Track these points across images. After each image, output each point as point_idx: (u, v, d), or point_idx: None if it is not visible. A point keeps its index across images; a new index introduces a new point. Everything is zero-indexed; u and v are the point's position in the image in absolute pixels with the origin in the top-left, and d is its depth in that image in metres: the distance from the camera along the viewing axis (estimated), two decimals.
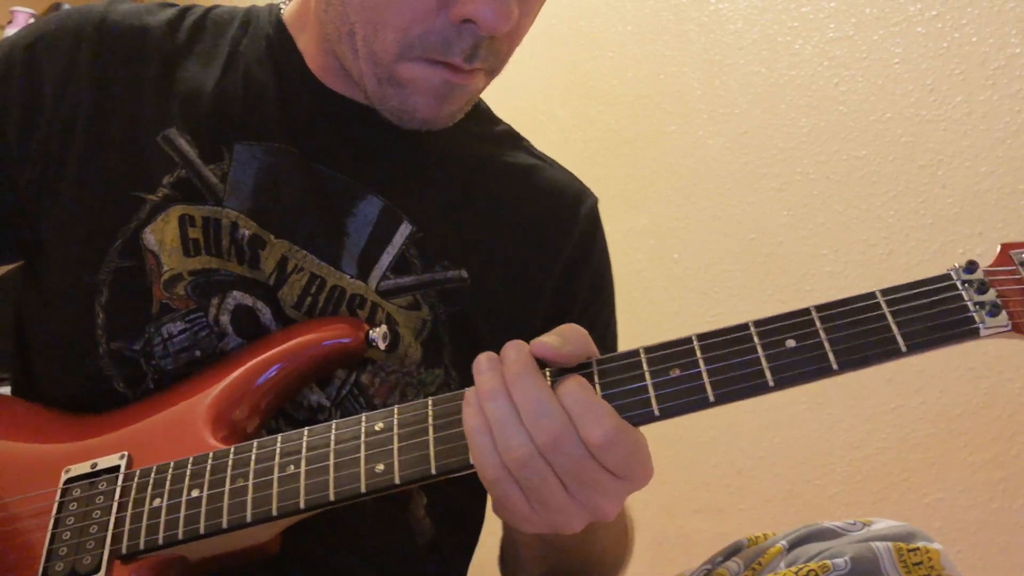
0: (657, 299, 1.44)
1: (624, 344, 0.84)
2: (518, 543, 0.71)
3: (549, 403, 0.52)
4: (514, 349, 0.56)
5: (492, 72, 0.69)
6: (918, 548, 0.57)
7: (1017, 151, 1.15)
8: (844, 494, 1.26)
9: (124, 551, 0.59)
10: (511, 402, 0.53)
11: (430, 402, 0.58)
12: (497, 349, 0.73)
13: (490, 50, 0.65)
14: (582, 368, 0.56)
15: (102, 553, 0.59)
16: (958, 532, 1.16)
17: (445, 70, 0.65)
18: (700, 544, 1.31)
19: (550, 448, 0.52)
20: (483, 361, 0.56)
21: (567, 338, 0.56)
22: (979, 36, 1.18)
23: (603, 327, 0.83)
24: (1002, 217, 1.16)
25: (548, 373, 0.56)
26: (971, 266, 0.53)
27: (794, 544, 0.63)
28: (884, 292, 0.54)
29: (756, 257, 1.35)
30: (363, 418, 0.59)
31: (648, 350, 0.56)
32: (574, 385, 0.53)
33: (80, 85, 0.71)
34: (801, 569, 0.58)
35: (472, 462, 0.54)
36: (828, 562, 0.57)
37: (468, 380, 0.72)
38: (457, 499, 0.76)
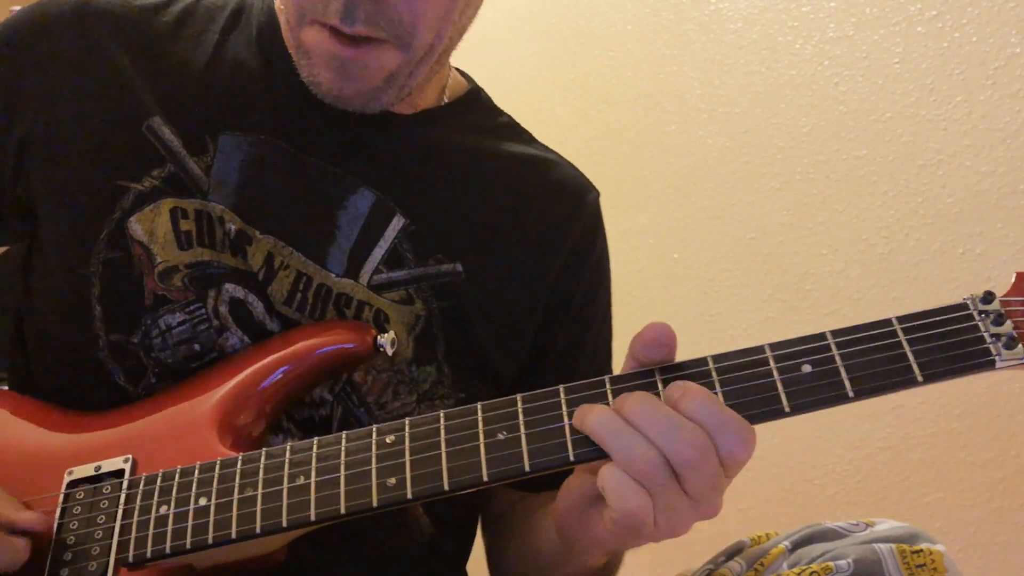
0: (657, 299, 1.43)
1: (622, 347, 0.84)
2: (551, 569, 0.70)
3: (681, 418, 0.51)
4: (621, 396, 0.54)
5: (404, 47, 0.64)
6: (921, 550, 0.58)
7: (1017, 151, 1.15)
8: (844, 494, 1.26)
9: (131, 559, 0.58)
10: (627, 423, 0.52)
11: (442, 416, 0.57)
12: (492, 345, 0.74)
13: (377, 13, 0.61)
14: (598, 386, 0.56)
15: (108, 561, 0.58)
16: (958, 532, 1.16)
17: (334, 39, 0.63)
18: (700, 543, 1.31)
19: (692, 463, 0.50)
20: (584, 407, 0.54)
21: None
22: (979, 36, 1.18)
23: (598, 327, 0.82)
24: (1002, 217, 1.16)
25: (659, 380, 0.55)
26: (988, 296, 0.54)
27: (797, 545, 0.63)
28: (900, 319, 0.54)
29: (756, 257, 1.35)
30: (374, 430, 0.58)
31: (663, 371, 0.55)
32: (704, 398, 0.52)
33: (60, 76, 0.70)
34: (804, 570, 0.58)
35: (616, 509, 0.52)
36: (831, 564, 0.57)
37: (461, 377, 0.72)
38: (452, 498, 0.76)
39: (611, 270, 0.85)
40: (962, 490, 1.17)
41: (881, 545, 0.58)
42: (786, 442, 1.30)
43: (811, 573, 0.58)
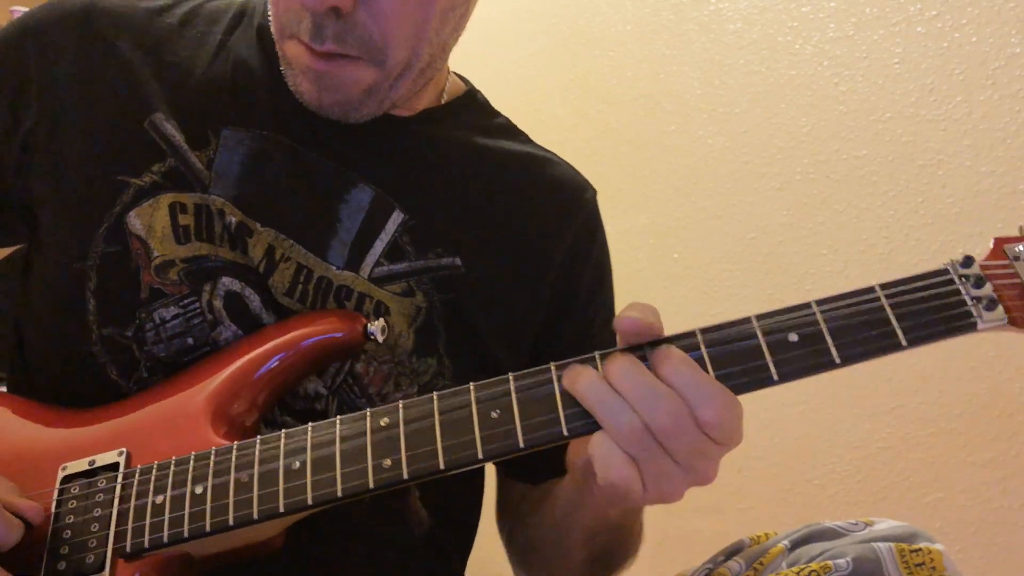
0: (657, 299, 1.42)
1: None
2: (572, 529, 0.71)
3: (659, 386, 0.52)
4: (607, 353, 0.56)
5: (379, 64, 0.65)
6: (920, 549, 0.57)
7: (1017, 151, 1.15)
8: (844, 494, 1.26)
9: (128, 549, 0.58)
10: (613, 389, 0.53)
11: (435, 397, 0.58)
12: (493, 338, 0.74)
13: (346, 31, 0.63)
14: (588, 363, 0.56)
15: (105, 551, 0.59)
16: (958, 532, 1.16)
17: (308, 53, 0.65)
18: (700, 543, 1.31)
19: (668, 432, 0.52)
20: (575, 367, 0.56)
21: (644, 309, 0.56)
22: (979, 36, 1.18)
23: (603, 322, 0.82)
24: (1002, 217, 1.16)
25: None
26: (968, 261, 0.55)
27: (796, 544, 0.63)
28: (883, 286, 0.55)
29: (756, 257, 1.35)
30: (368, 414, 0.58)
31: (652, 345, 0.56)
32: (680, 363, 0.53)
33: (65, 73, 0.71)
34: (803, 569, 0.58)
35: (599, 473, 0.53)
36: (830, 562, 0.57)
37: (462, 369, 0.73)
38: (450, 490, 0.76)
39: (612, 269, 0.85)
40: (962, 490, 1.17)
41: (880, 544, 0.58)
42: (786, 442, 1.29)
43: (810, 572, 0.57)
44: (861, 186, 1.27)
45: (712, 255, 1.40)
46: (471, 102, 0.82)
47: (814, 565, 0.58)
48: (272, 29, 0.69)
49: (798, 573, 0.58)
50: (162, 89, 0.71)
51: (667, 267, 1.44)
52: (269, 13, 0.75)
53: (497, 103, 0.85)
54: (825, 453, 1.27)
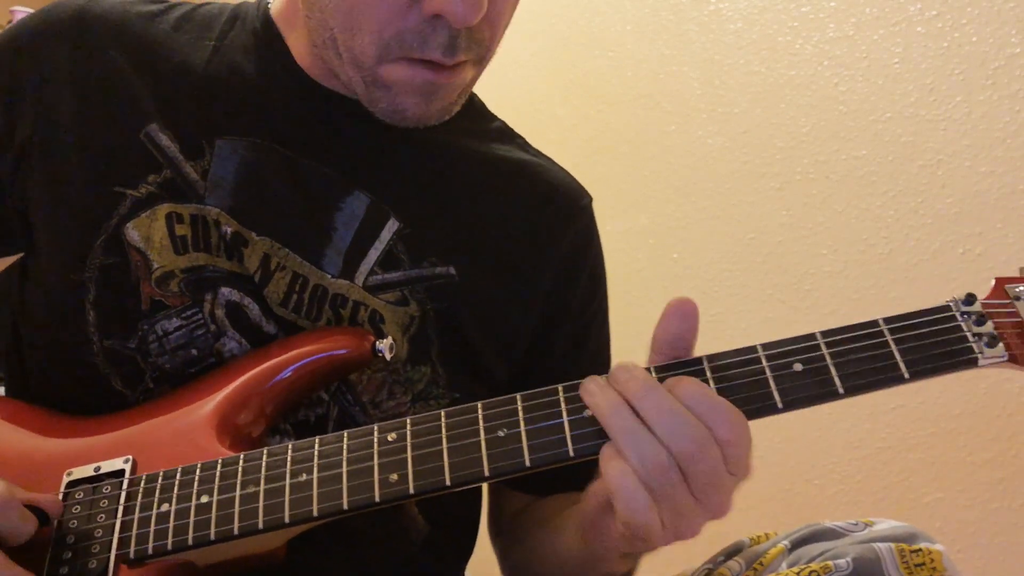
0: (657, 299, 1.44)
1: (622, 347, 0.84)
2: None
3: (684, 412, 0.52)
4: (625, 369, 0.55)
5: (480, 61, 0.67)
6: (920, 549, 0.58)
7: (1017, 151, 1.15)
8: (844, 494, 1.26)
9: (132, 556, 0.58)
10: (635, 415, 0.53)
11: (443, 414, 0.58)
12: (486, 347, 0.74)
13: (471, 39, 0.64)
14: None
15: (108, 557, 0.59)
16: (957, 532, 1.17)
17: (427, 70, 0.64)
18: (700, 543, 1.31)
19: (692, 457, 0.52)
20: (592, 385, 0.56)
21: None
22: (979, 36, 1.18)
23: (596, 333, 0.82)
24: (1002, 217, 1.16)
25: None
26: (970, 298, 0.57)
27: (796, 544, 0.63)
28: (887, 320, 0.56)
29: (756, 257, 1.36)
30: (375, 428, 0.59)
31: (659, 369, 0.56)
32: (693, 386, 0.53)
33: (59, 82, 0.71)
34: (803, 570, 0.58)
35: (623, 512, 0.53)
36: (830, 563, 0.57)
37: (456, 378, 0.72)
38: (448, 497, 0.76)
39: (611, 270, 0.85)
40: (962, 490, 1.17)
41: (880, 544, 0.58)
42: (786, 442, 1.30)
43: (810, 572, 0.58)
44: (861, 186, 1.27)
45: (712, 255, 1.40)
46: (468, 106, 0.80)
47: (814, 565, 0.58)
48: (358, 55, 0.65)
49: (798, 573, 0.58)
50: (156, 99, 0.71)
51: (667, 267, 1.44)
52: (275, 13, 0.74)
53: (496, 103, 0.85)
54: (825, 453, 1.27)
